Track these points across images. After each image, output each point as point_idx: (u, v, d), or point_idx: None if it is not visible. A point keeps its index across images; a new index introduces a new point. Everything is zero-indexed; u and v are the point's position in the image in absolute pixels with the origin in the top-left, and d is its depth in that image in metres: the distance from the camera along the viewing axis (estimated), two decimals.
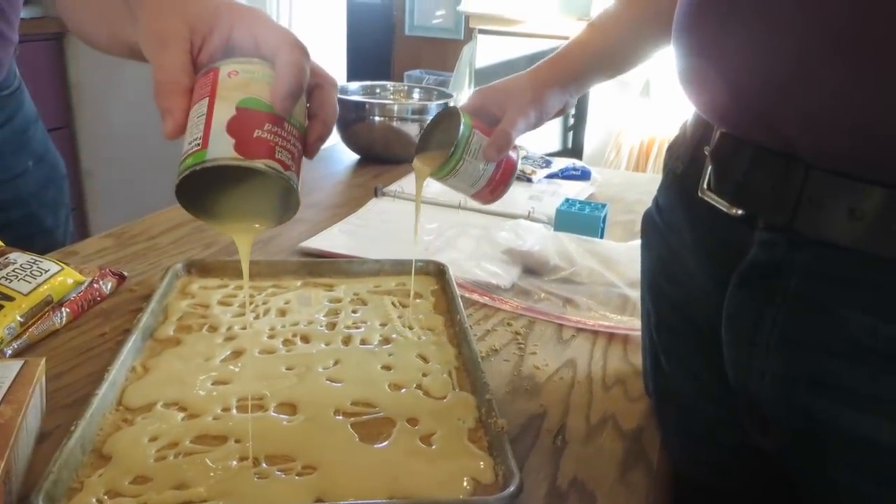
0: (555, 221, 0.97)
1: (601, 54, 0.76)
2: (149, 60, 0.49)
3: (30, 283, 0.67)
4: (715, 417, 0.55)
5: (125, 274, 0.78)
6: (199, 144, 0.44)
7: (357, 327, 0.70)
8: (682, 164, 0.55)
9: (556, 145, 3.00)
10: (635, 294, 0.80)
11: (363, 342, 0.67)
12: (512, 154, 0.72)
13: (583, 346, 0.72)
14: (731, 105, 0.46)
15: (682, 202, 0.54)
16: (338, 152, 1.37)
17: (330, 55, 2.32)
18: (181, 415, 0.55)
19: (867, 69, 0.37)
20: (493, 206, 1.05)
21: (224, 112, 0.45)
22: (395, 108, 1.30)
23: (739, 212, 0.46)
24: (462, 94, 2.95)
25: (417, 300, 0.76)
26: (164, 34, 0.49)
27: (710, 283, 0.51)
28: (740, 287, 0.47)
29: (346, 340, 0.67)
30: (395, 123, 1.28)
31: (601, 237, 0.94)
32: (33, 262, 0.70)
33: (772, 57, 0.41)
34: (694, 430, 0.57)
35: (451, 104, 0.75)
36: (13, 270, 0.68)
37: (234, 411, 0.56)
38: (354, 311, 0.73)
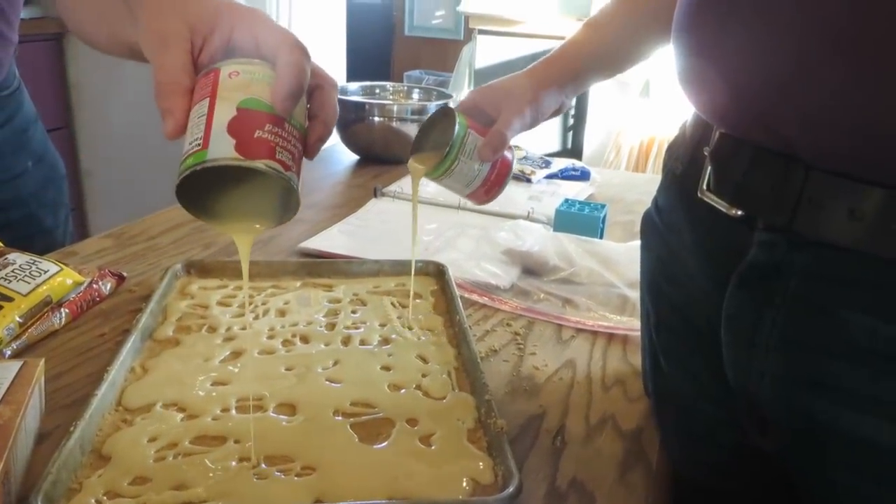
0: (554, 222, 0.97)
1: (598, 54, 0.76)
2: (149, 61, 0.49)
3: (29, 283, 0.67)
4: (714, 418, 0.55)
5: (124, 274, 0.78)
6: (199, 145, 0.44)
7: (356, 328, 0.70)
8: (681, 165, 0.55)
9: (555, 146, 3.00)
10: (635, 294, 0.80)
11: (362, 343, 0.67)
12: (507, 154, 0.72)
13: (582, 346, 0.72)
14: (731, 105, 0.46)
15: (681, 203, 0.54)
16: (337, 153, 1.37)
17: (330, 55, 2.32)
18: (180, 415, 0.55)
19: (867, 69, 0.37)
20: (493, 207, 1.05)
21: (225, 112, 0.45)
22: (395, 108, 1.30)
23: (739, 212, 0.46)
24: (461, 95, 2.95)
25: (417, 300, 0.76)
26: (164, 34, 0.49)
27: (709, 283, 0.51)
28: (740, 288, 0.47)
29: (346, 341, 0.67)
30: (394, 124, 1.28)
31: (600, 237, 0.94)
32: (32, 263, 0.70)
33: (771, 57, 0.41)
34: (693, 430, 0.57)
35: (451, 104, 0.76)
36: (12, 271, 0.68)
37: (234, 412, 0.56)
38: (354, 312, 0.73)
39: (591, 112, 2.91)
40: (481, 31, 3.06)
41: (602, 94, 2.82)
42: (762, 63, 0.42)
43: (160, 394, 0.57)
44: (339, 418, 0.56)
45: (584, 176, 1.28)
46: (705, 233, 0.51)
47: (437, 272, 0.81)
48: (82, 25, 0.68)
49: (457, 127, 0.67)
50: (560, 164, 1.32)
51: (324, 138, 0.50)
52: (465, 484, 0.49)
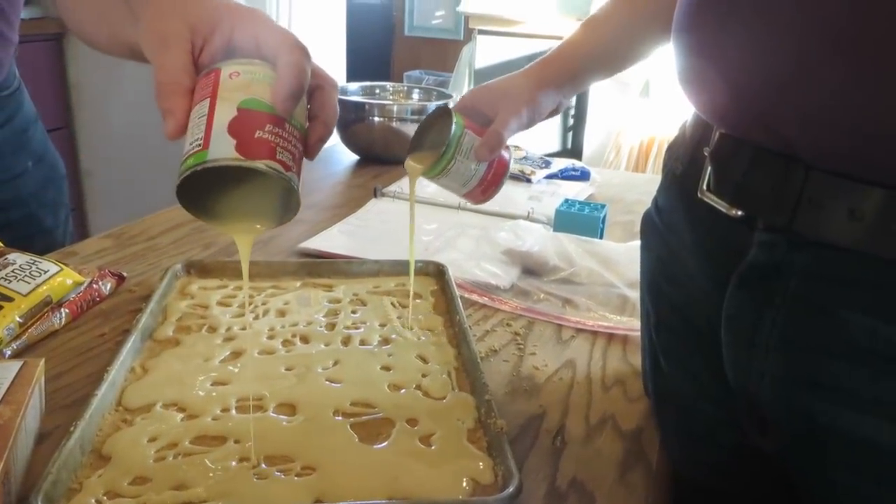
0: (554, 222, 0.97)
1: (595, 53, 0.76)
2: (150, 61, 0.49)
3: (29, 283, 0.67)
4: (714, 418, 0.55)
5: (124, 274, 0.78)
6: (200, 145, 0.44)
7: (356, 328, 0.70)
8: (681, 165, 0.55)
9: (555, 146, 3.00)
10: (634, 294, 0.80)
11: (362, 343, 0.67)
12: (504, 154, 0.72)
13: (582, 346, 0.72)
14: (731, 105, 0.46)
15: (681, 203, 0.54)
16: (337, 153, 1.38)
17: (329, 55, 2.32)
18: (180, 415, 0.55)
19: (867, 69, 0.37)
20: (493, 207, 1.06)
21: (225, 113, 0.45)
22: (395, 108, 1.30)
23: (739, 213, 0.46)
24: (461, 95, 2.95)
25: (417, 301, 0.76)
26: (165, 35, 0.49)
27: (709, 283, 0.51)
28: (740, 288, 0.47)
29: (346, 341, 0.67)
30: (394, 124, 1.28)
31: (600, 238, 0.94)
32: (32, 263, 0.70)
33: (771, 57, 0.41)
34: (693, 430, 0.57)
35: (450, 104, 0.76)
36: (12, 271, 0.68)
37: (234, 412, 0.56)
38: (354, 312, 0.73)
39: (591, 112, 2.91)
40: (481, 31, 3.06)
41: (602, 94, 2.82)
42: (762, 63, 0.42)
43: (160, 394, 0.57)
44: (339, 418, 0.56)
45: (584, 176, 1.29)
46: (705, 233, 0.51)
47: (437, 272, 0.81)
48: (82, 26, 0.68)
49: (453, 127, 0.67)
50: (560, 164, 1.32)
51: (324, 139, 0.50)
52: (465, 484, 0.49)
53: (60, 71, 2.33)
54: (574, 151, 2.97)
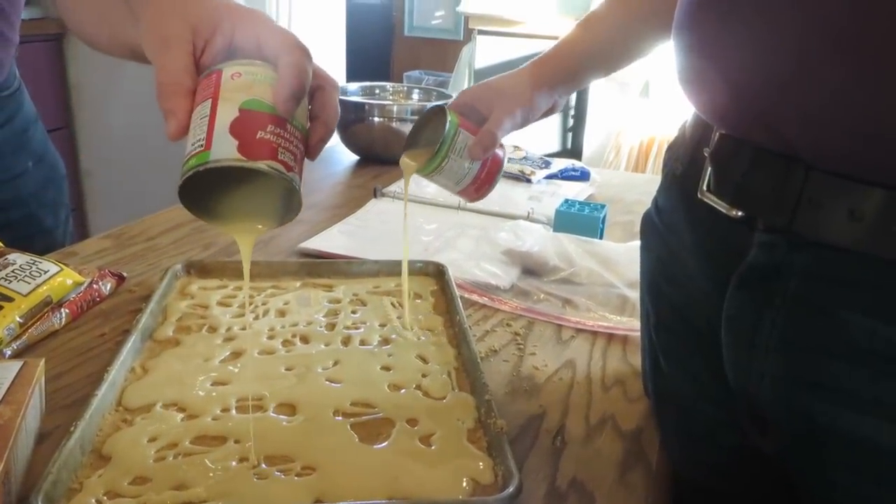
0: (554, 222, 0.97)
1: (591, 53, 0.77)
2: (151, 62, 0.49)
3: (29, 283, 0.67)
4: (714, 419, 0.55)
5: (124, 275, 0.78)
6: (202, 145, 0.44)
7: (356, 328, 0.70)
8: (681, 166, 0.55)
9: (555, 146, 3.00)
10: (634, 294, 0.80)
11: (362, 343, 0.67)
12: (498, 152, 0.73)
13: (582, 346, 0.72)
14: (731, 105, 0.46)
15: (681, 203, 0.54)
16: (337, 153, 1.38)
17: (329, 56, 2.32)
18: (180, 415, 0.55)
19: (868, 68, 0.37)
20: (493, 207, 1.06)
21: (227, 113, 0.45)
22: (395, 108, 1.30)
23: (739, 213, 0.46)
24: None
25: (417, 301, 0.76)
26: (166, 36, 0.49)
27: (709, 284, 0.51)
28: (740, 289, 0.47)
29: (346, 341, 0.67)
30: (394, 124, 1.28)
31: (600, 238, 0.94)
32: (33, 263, 0.70)
33: (772, 56, 0.41)
34: (693, 431, 0.57)
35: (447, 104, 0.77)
36: (12, 271, 0.68)
37: (234, 412, 0.56)
38: (354, 312, 0.73)
39: (590, 112, 2.91)
40: (481, 32, 3.06)
41: (602, 95, 2.82)
42: (763, 62, 0.42)
43: (160, 394, 0.57)
44: (340, 418, 0.56)
45: (583, 176, 1.29)
46: (705, 233, 0.51)
47: (436, 272, 0.81)
48: (83, 26, 0.68)
49: (447, 125, 0.68)
50: (560, 164, 1.32)
51: (325, 139, 0.50)
52: (465, 484, 0.49)
53: (60, 71, 2.33)
54: (574, 152, 2.97)
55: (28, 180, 0.91)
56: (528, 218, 1.02)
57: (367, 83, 1.44)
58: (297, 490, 0.48)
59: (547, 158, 1.34)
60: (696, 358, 0.55)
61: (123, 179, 2.35)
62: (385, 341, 0.68)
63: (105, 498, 0.47)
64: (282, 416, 0.56)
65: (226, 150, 0.43)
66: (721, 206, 0.47)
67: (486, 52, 3.04)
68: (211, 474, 0.49)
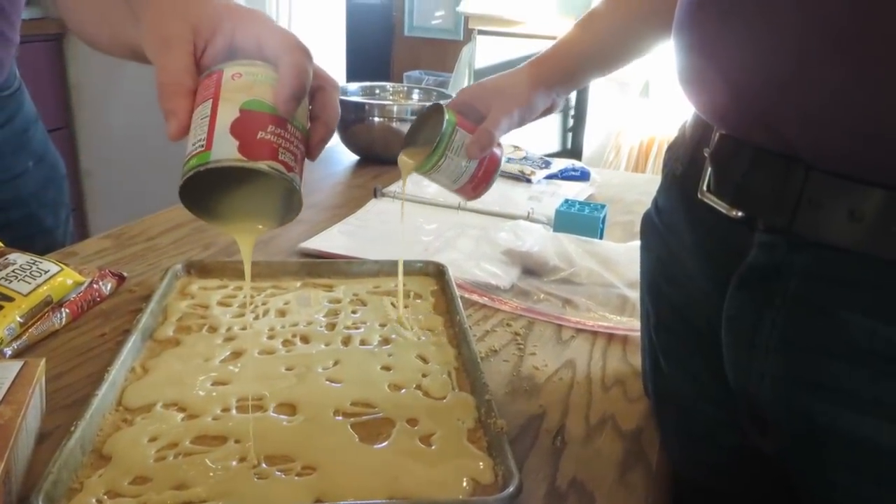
0: (554, 222, 0.97)
1: (590, 52, 0.77)
2: (152, 62, 0.49)
3: (29, 283, 0.67)
4: (714, 419, 0.55)
5: (125, 274, 0.78)
6: (202, 146, 0.44)
7: (357, 328, 0.70)
8: (681, 166, 0.55)
9: (555, 146, 3.00)
10: (634, 294, 0.80)
11: (363, 343, 0.67)
12: (496, 151, 0.73)
13: (582, 346, 0.72)
14: (731, 105, 0.46)
15: (681, 204, 0.54)
16: (337, 153, 1.38)
17: (329, 56, 2.32)
18: (181, 415, 0.55)
19: (868, 68, 0.37)
20: (493, 207, 1.06)
21: (228, 114, 0.45)
22: (395, 108, 1.30)
23: (739, 213, 0.46)
24: None
25: (417, 301, 0.76)
26: (167, 36, 0.49)
27: (709, 284, 0.51)
28: (740, 289, 0.47)
29: (346, 341, 0.67)
30: (394, 124, 1.28)
31: (600, 238, 0.94)
32: (33, 263, 0.70)
33: (772, 56, 0.41)
34: (693, 431, 0.57)
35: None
36: (13, 271, 0.68)
37: (234, 412, 0.56)
38: (354, 312, 0.73)
39: (590, 112, 2.91)
40: (481, 32, 3.06)
41: (602, 95, 2.82)
42: (763, 61, 0.42)
43: (160, 394, 0.57)
44: (340, 418, 0.56)
45: (583, 176, 1.29)
46: (705, 234, 0.51)
47: (437, 272, 0.81)
48: (84, 26, 0.68)
49: (444, 124, 0.68)
50: (560, 164, 1.32)
51: (326, 139, 0.50)
52: (465, 484, 0.49)
53: (60, 71, 2.33)
54: (574, 152, 2.97)
55: (28, 180, 0.91)
56: (528, 218, 1.02)
57: (367, 83, 1.44)
58: (298, 490, 0.48)
59: (547, 158, 1.34)
60: (696, 358, 0.55)
61: (123, 179, 2.35)
62: (385, 341, 0.68)
63: (105, 497, 0.47)
64: (282, 416, 0.56)
65: (226, 151, 0.43)
66: (721, 206, 0.47)
67: (486, 52, 3.04)
68: (211, 474, 0.49)
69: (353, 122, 1.29)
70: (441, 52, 4.18)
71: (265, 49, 0.49)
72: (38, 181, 0.92)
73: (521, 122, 0.74)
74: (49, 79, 2.29)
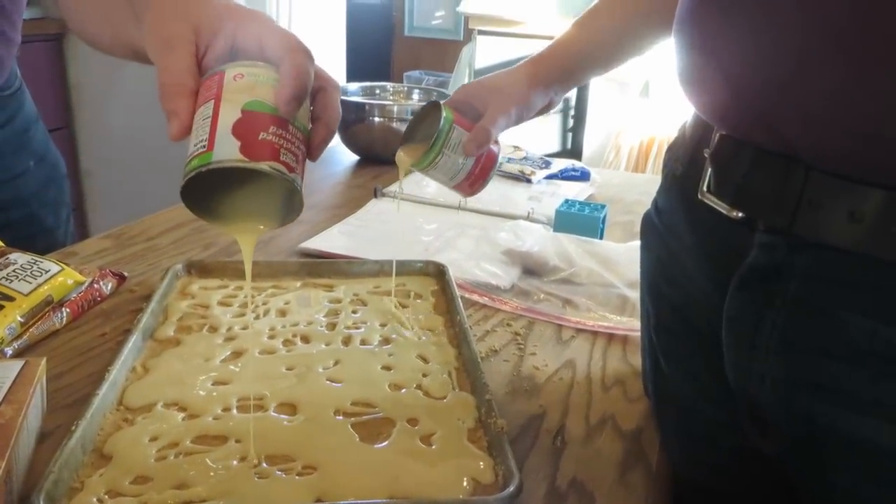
0: (554, 222, 0.97)
1: (588, 51, 0.77)
2: (154, 63, 0.49)
3: (30, 283, 0.67)
4: (714, 419, 0.55)
5: (125, 274, 0.78)
6: (204, 146, 0.44)
7: (357, 328, 0.70)
8: (681, 166, 0.55)
9: (555, 146, 3.00)
10: (634, 295, 0.80)
11: (363, 342, 0.67)
12: (493, 149, 0.74)
13: (582, 346, 0.72)
14: (732, 105, 0.46)
15: (681, 204, 0.54)
16: (337, 153, 1.38)
17: (329, 56, 2.32)
18: (181, 415, 0.55)
19: (868, 68, 0.37)
20: (493, 207, 1.06)
21: (229, 114, 0.45)
22: (395, 108, 1.30)
23: (739, 214, 0.46)
24: None
25: (417, 301, 0.76)
26: (169, 37, 0.49)
27: (709, 285, 0.51)
28: (740, 290, 0.47)
29: (346, 341, 0.67)
30: (394, 124, 1.28)
31: (600, 238, 0.94)
32: (33, 263, 0.70)
33: (773, 54, 0.41)
34: (693, 431, 0.58)
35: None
36: (13, 271, 0.68)
37: (235, 411, 0.56)
38: (354, 312, 0.73)
39: (590, 112, 2.91)
40: (481, 32, 3.06)
41: (602, 95, 2.82)
42: (763, 61, 0.42)
43: (161, 393, 0.57)
44: (340, 418, 0.56)
45: (583, 176, 1.29)
46: (705, 234, 0.51)
47: (437, 272, 0.81)
48: (85, 26, 0.68)
49: (441, 121, 0.69)
50: (560, 164, 1.32)
51: (327, 140, 0.50)
52: (465, 483, 0.49)
53: (60, 71, 2.33)
54: (574, 152, 2.97)
55: (29, 180, 0.91)
56: (528, 218, 1.02)
57: (368, 83, 1.44)
58: (298, 489, 0.48)
59: (547, 158, 1.34)
60: (697, 359, 0.55)
61: (123, 179, 2.36)
62: (385, 341, 0.68)
63: (106, 497, 0.47)
64: (282, 416, 0.56)
65: (228, 151, 0.44)
66: (721, 206, 0.47)
67: (486, 52, 3.04)
68: (212, 474, 0.49)
69: (354, 123, 1.29)
70: (441, 53, 4.17)
71: (266, 50, 0.49)
72: (38, 181, 0.92)
73: (518, 121, 0.74)
74: (49, 79, 2.29)
